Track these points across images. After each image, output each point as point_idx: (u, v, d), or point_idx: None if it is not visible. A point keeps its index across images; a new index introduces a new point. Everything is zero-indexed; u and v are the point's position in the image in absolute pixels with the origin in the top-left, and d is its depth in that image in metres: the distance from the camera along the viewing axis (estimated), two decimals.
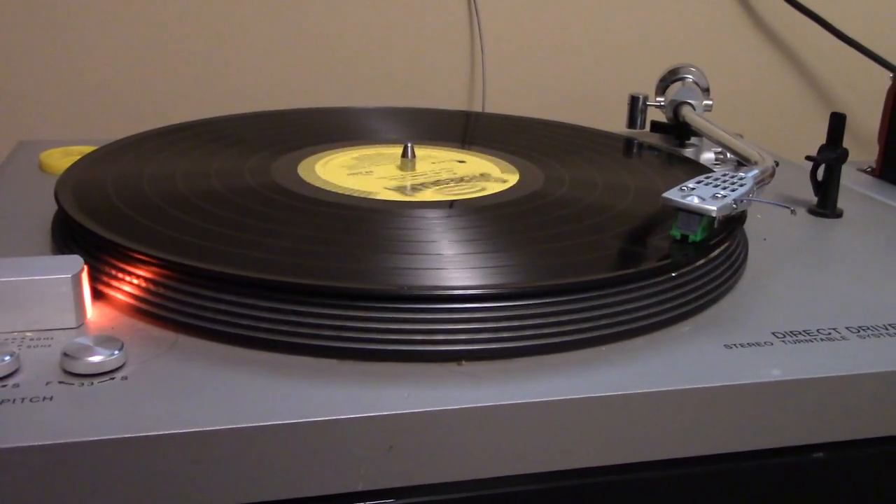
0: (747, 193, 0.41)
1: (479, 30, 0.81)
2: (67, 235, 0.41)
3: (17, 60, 0.73)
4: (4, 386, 0.30)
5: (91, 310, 0.35)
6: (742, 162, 0.52)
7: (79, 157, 0.50)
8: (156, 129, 0.57)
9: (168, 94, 0.77)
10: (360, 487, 0.30)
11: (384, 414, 0.30)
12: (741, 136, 0.56)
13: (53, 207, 0.44)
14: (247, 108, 0.66)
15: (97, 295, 0.36)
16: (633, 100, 0.66)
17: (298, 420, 0.29)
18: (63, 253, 0.39)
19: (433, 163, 0.53)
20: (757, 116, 0.89)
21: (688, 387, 0.33)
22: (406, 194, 0.46)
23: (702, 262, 0.39)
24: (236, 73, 0.77)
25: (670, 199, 0.39)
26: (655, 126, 0.66)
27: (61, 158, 0.55)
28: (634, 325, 0.36)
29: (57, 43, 0.74)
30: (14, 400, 0.29)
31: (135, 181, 0.46)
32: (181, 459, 0.28)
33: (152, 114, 0.76)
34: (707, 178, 0.42)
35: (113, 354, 0.31)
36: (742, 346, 0.36)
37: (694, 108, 0.63)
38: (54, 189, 0.43)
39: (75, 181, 0.45)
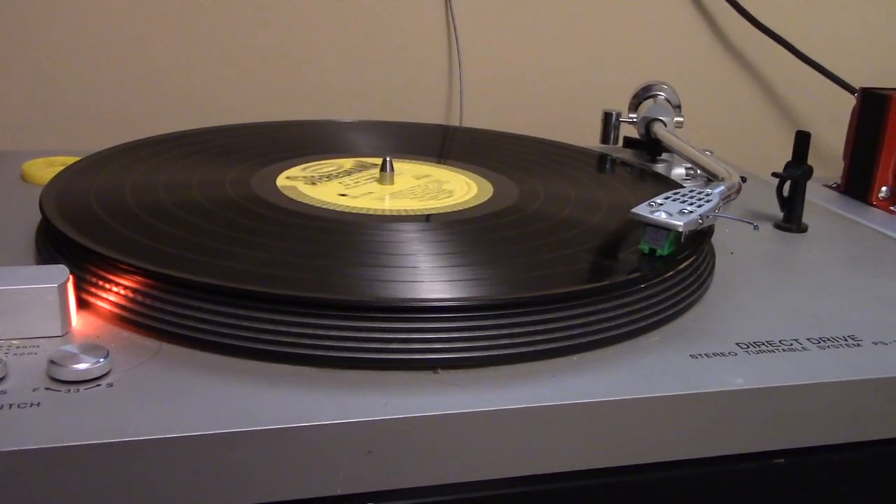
0: (713, 209, 0.42)
1: (458, 46, 0.82)
2: (52, 245, 0.41)
3: None
4: None
5: (76, 318, 0.36)
6: (710, 178, 0.54)
7: (62, 167, 0.51)
8: (138, 140, 0.57)
9: (150, 106, 0.77)
10: (339, 491, 0.31)
11: (362, 420, 0.31)
12: (711, 153, 0.57)
13: (36, 217, 0.44)
14: (229, 120, 0.67)
15: (82, 304, 0.37)
16: (607, 116, 0.68)
17: (279, 426, 0.30)
18: (47, 262, 0.40)
19: (413, 177, 0.54)
20: (727, 133, 0.92)
21: (655, 395, 0.34)
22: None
23: (669, 274, 0.40)
24: (219, 85, 0.78)
25: (639, 215, 0.40)
26: (628, 142, 0.68)
27: (43, 169, 0.55)
28: (605, 336, 0.37)
29: (37, 53, 0.74)
30: (1, 406, 0.30)
31: (118, 192, 0.46)
32: (164, 464, 0.29)
33: (134, 125, 0.77)
34: (675, 193, 0.43)
35: (98, 362, 0.32)
36: (707, 356, 0.37)
37: (665, 125, 0.65)
38: (39, 199, 0.44)
39: (59, 191, 0.46)
